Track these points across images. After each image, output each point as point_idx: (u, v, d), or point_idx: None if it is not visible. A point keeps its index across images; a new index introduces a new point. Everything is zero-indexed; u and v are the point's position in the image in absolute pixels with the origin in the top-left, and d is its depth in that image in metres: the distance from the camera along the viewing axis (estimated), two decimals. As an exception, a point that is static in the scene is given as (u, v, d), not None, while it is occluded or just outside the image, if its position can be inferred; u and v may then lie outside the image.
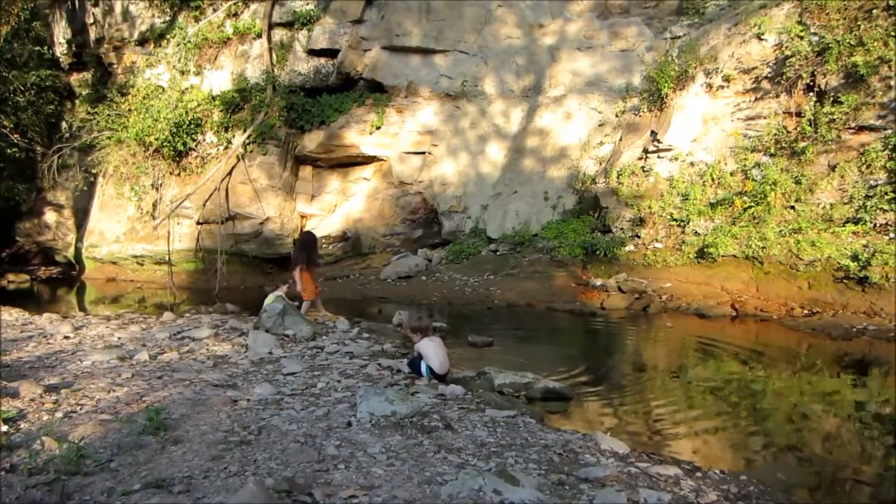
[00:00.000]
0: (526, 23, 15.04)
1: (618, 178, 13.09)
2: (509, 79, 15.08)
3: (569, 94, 14.69)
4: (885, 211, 9.77)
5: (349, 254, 15.98)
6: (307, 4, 15.86)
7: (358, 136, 15.48)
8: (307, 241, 10.21)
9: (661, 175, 12.66)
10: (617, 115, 14.21)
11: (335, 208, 16.26)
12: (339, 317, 9.44)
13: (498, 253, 13.79)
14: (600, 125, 14.37)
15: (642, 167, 12.96)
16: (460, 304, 11.65)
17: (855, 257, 9.35)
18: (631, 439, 4.62)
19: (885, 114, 10.34)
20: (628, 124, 13.85)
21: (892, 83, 10.30)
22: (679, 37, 13.84)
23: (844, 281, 9.43)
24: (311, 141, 15.68)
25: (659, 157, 12.79)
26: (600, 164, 14.02)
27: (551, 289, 11.76)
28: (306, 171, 16.39)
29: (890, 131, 10.16)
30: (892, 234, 9.49)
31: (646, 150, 13.03)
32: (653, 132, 13.07)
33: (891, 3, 10.48)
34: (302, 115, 15.68)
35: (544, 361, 7.09)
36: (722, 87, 12.30)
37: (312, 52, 15.79)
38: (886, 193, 9.87)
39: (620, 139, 13.84)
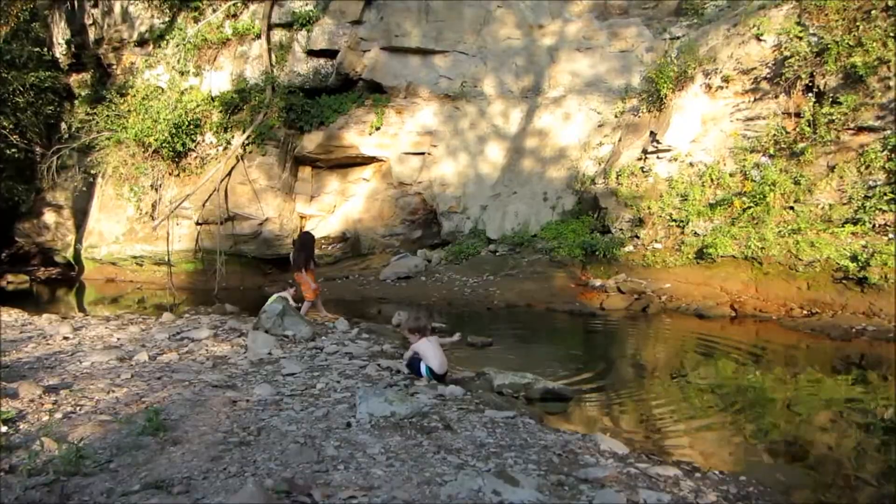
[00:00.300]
0: (525, 23, 15.05)
1: (617, 178, 13.10)
2: (508, 79, 15.09)
3: (568, 95, 14.69)
4: (883, 211, 9.77)
5: (348, 254, 15.98)
6: (306, 5, 15.86)
7: (357, 137, 15.49)
8: (306, 241, 10.21)
9: (661, 175, 12.66)
10: (616, 116, 14.22)
11: (334, 209, 16.27)
12: (338, 317, 9.45)
13: (497, 253, 13.80)
14: (599, 126, 14.38)
15: (641, 168, 12.97)
16: (460, 305, 11.65)
17: (854, 258, 9.35)
18: (630, 440, 4.63)
19: (883, 114, 10.35)
20: (627, 125, 13.86)
21: (891, 84, 10.31)
22: (678, 37, 13.85)
23: (843, 281, 9.44)
24: (311, 141, 15.68)
25: (658, 157, 12.80)
26: (599, 164, 14.03)
27: (550, 289, 11.76)
28: (305, 171, 16.40)
29: (889, 132, 10.17)
30: (891, 235, 9.50)
31: (645, 151, 13.04)
32: (652, 133, 13.08)
33: (889, 3, 10.49)
34: (301, 115, 15.68)
35: (544, 362, 7.09)
36: (721, 87, 12.31)
37: (311, 53, 15.80)
38: (885, 194, 9.87)
39: (620, 140, 13.85)
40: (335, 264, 15.74)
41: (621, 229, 12.55)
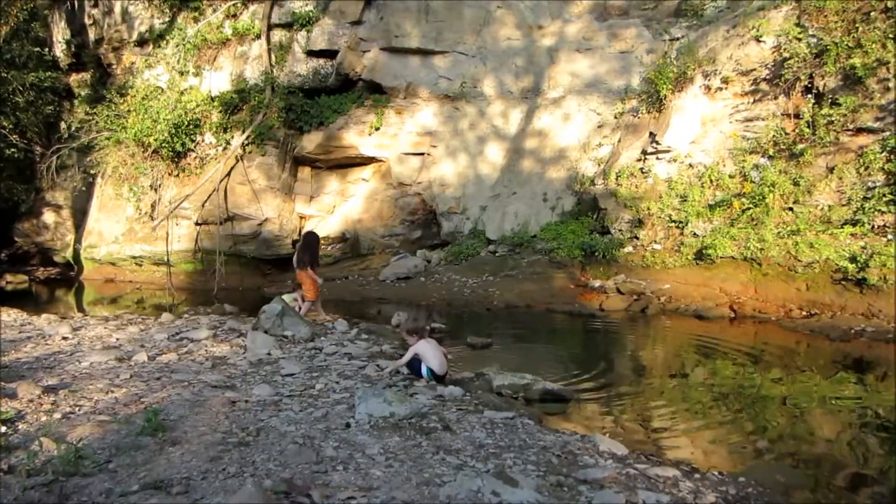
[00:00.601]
0: (525, 24, 15.05)
1: (616, 179, 13.11)
2: (508, 80, 15.10)
3: (568, 96, 14.70)
4: (882, 213, 9.77)
5: (348, 255, 15.98)
6: (306, 5, 15.87)
7: (357, 137, 15.49)
8: (311, 241, 10.16)
9: (660, 176, 12.67)
10: (616, 117, 14.22)
11: (334, 209, 16.27)
12: (337, 318, 9.46)
13: (497, 254, 13.80)
14: (599, 126, 14.38)
15: (641, 169, 12.98)
16: (459, 306, 11.65)
17: (853, 259, 9.35)
18: (629, 441, 4.62)
19: (882, 116, 10.36)
20: (627, 126, 13.86)
21: (890, 85, 10.32)
22: (678, 38, 13.85)
23: (842, 283, 9.44)
24: (310, 142, 15.68)
25: (658, 158, 12.81)
26: (599, 165, 14.03)
27: (550, 290, 11.77)
28: (305, 171, 16.40)
29: (888, 133, 10.17)
30: (889, 236, 9.50)
31: (644, 152, 13.04)
32: (651, 134, 13.09)
33: (889, 5, 10.50)
34: (301, 115, 15.68)
35: (543, 363, 7.10)
36: (720, 88, 12.32)
37: (311, 53, 15.81)
38: (884, 195, 9.88)
39: (619, 140, 13.85)
40: (335, 264, 15.74)
41: (620, 230, 12.55)
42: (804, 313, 9.44)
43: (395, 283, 13.56)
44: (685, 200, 11.93)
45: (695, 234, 11.43)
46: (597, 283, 11.63)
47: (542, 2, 15.01)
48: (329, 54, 15.70)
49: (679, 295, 10.74)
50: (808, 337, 8.52)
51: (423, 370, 5.68)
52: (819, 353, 7.90)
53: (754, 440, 4.97)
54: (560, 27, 14.89)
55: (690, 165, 12.39)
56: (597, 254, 12.12)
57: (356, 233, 15.96)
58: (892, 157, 10.05)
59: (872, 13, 10.65)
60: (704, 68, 12.55)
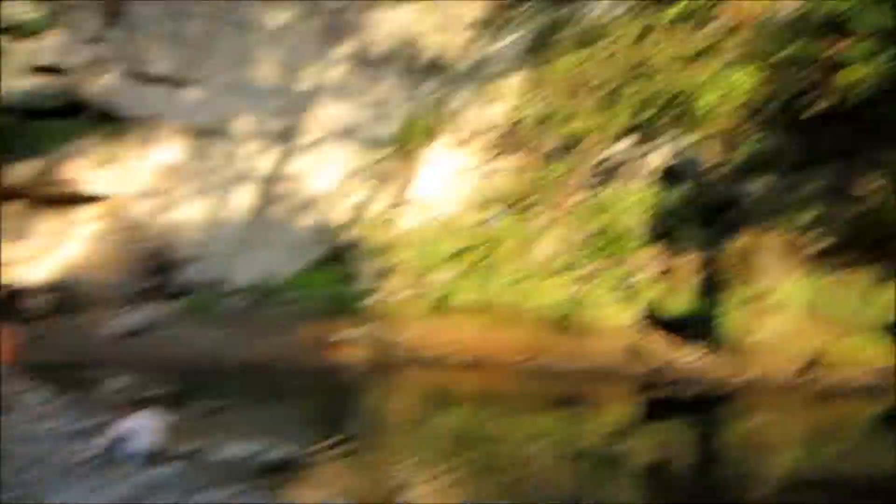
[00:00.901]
0: (285, 64, 14.99)
1: (367, 228, 13.56)
2: (263, 120, 14.71)
3: (323, 141, 14.82)
4: (591, 261, 11.61)
5: (64, 307, 13.69)
6: (33, 12, 13.69)
7: (84, 171, 13.67)
8: (7, 293, 8.53)
9: (408, 226, 13.38)
10: (369, 166, 14.70)
11: (49, 253, 13.94)
12: (37, 385, 7.97)
13: (241, 305, 13.17)
14: (353, 174, 14.67)
15: (390, 218, 13.64)
16: (194, 365, 10.62)
17: (566, 304, 10.93)
18: (367, 495, 4.72)
19: (595, 174, 12.38)
20: (379, 174, 14.48)
21: (602, 149, 12.38)
22: (431, 93, 14.97)
23: (559, 326, 10.84)
24: (24, 172, 13.38)
25: (406, 208, 13.61)
26: (351, 213, 14.40)
27: (296, 344, 11.40)
28: (14, 207, 13.83)
29: (598, 190, 12.21)
30: (595, 281, 11.30)
31: (395, 202, 13.80)
32: (401, 183, 13.91)
33: (599, 80, 12.63)
34: (13, 140, 13.30)
35: (282, 425, 6.91)
36: (466, 143, 13.55)
37: (34, 69, 13.65)
38: (593, 246, 11.76)
39: (371, 189, 14.43)
40: (45, 319, 13.30)
41: (369, 279, 12.95)
42: (527, 356, 10.43)
43: (120, 342, 11.95)
44: (429, 250, 12.70)
45: (436, 283, 12.21)
46: (344, 335, 11.65)
47: (304, 43, 15.11)
48: (57, 71, 13.71)
49: (421, 344, 11.14)
50: (531, 379, 9.61)
51: (136, 448, 5.04)
52: (539, 394, 9.05)
53: (481, 478, 5.49)
54: (320, 70, 15.02)
55: (436, 215, 13.34)
56: (345, 304, 12.26)
57: (77, 281, 13.83)
58: (600, 211, 12.03)
59: (589, 85, 12.62)
60: (452, 124, 13.76)
